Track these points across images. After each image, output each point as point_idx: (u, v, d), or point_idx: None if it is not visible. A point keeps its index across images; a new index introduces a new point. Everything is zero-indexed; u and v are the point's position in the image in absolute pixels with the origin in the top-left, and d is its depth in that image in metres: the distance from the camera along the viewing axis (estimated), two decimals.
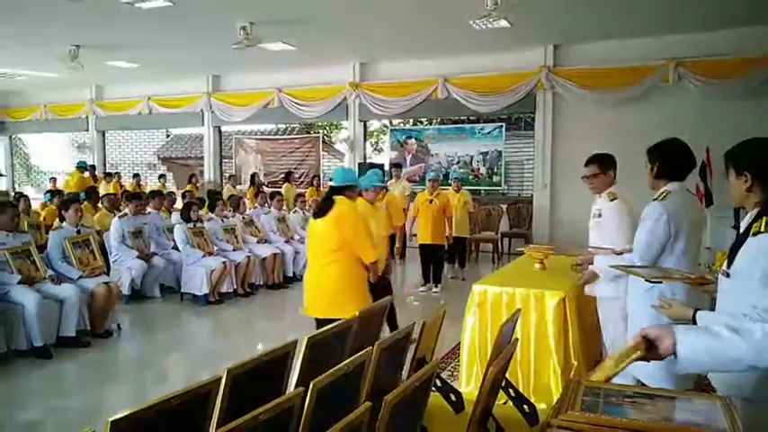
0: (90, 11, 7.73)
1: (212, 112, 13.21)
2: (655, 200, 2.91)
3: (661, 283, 2.74)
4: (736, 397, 1.69)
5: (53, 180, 14.22)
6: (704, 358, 1.60)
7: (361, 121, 11.92)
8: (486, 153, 10.93)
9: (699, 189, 7.68)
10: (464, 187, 8.72)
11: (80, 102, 14.66)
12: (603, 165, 3.71)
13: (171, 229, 7.56)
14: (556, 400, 1.68)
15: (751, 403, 1.76)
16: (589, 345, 3.98)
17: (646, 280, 2.75)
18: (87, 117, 14.82)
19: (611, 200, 3.62)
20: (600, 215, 3.70)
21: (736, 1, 7.37)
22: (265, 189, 11.26)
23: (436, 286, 7.66)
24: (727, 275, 1.95)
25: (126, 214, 7.22)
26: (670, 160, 2.95)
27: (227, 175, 13.11)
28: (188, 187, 11.92)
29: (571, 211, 9.59)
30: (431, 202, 7.57)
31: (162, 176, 13.44)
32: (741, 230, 2.00)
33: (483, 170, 10.96)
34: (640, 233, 2.92)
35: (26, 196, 9.05)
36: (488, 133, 11.00)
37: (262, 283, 7.84)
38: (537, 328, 3.68)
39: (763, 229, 1.82)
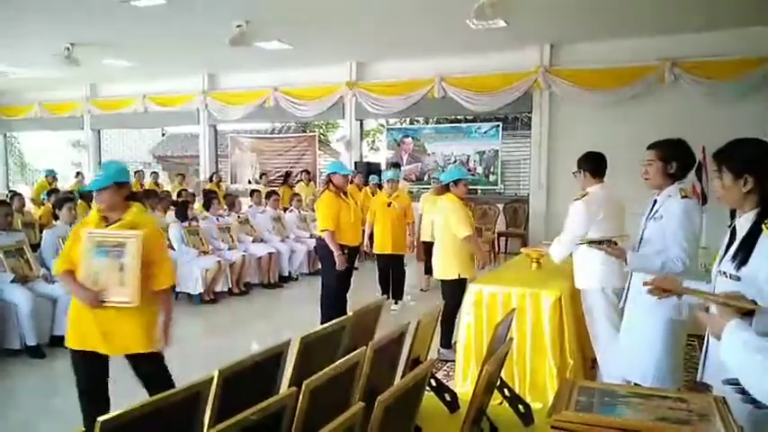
0: (85, 9, 7.69)
1: (208, 110, 13.16)
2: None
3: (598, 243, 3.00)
4: (731, 396, 1.68)
5: (79, 175, 13.57)
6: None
7: (357, 120, 11.90)
8: (483, 152, 10.93)
9: (695, 188, 7.69)
10: None
11: (75, 100, 14.57)
12: (579, 164, 3.92)
13: (166, 228, 7.51)
14: (551, 400, 1.67)
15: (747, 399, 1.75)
16: (585, 344, 3.98)
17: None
18: (82, 115, 14.74)
19: (575, 199, 3.84)
20: None
21: (732, 2, 7.39)
22: (283, 188, 11.09)
23: (396, 303, 6.62)
24: (738, 279, 1.89)
25: None
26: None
27: (259, 173, 12.91)
28: (210, 186, 11.84)
29: (567, 211, 9.58)
30: (389, 205, 6.59)
31: (179, 175, 13.11)
32: (742, 232, 1.94)
33: (479, 170, 10.96)
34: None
35: (20, 195, 9.00)
36: (485, 133, 10.99)
37: (257, 282, 7.82)
38: (533, 327, 3.68)
39: None
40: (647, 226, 2.94)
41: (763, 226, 1.84)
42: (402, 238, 6.67)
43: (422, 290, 7.48)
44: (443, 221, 4.88)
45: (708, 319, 1.70)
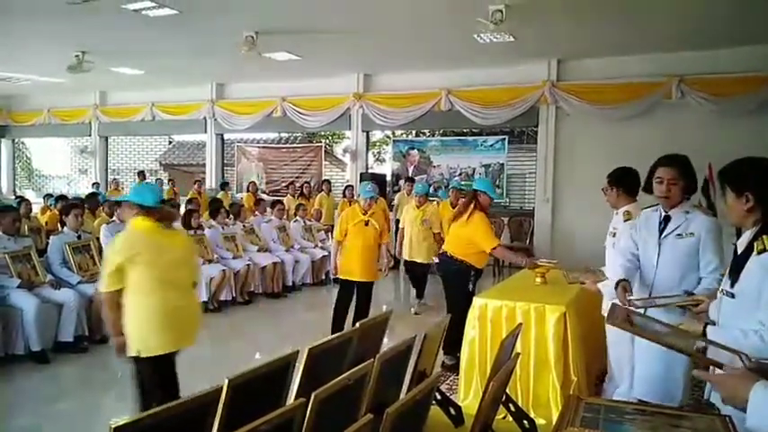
0: (97, 17, 7.76)
1: (215, 119, 13.25)
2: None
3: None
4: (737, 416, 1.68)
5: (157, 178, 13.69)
6: None
7: (363, 131, 11.94)
8: (489, 166, 10.95)
9: (701, 205, 7.69)
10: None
11: (84, 107, 14.70)
12: (614, 180, 3.69)
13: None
14: (557, 417, 1.67)
15: None
16: (590, 360, 3.96)
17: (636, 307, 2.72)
18: (90, 122, 14.86)
19: (625, 220, 3.49)
20: (614, 234, 3.64)
21: (739, 20, 7.42)
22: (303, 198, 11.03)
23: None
24: (732, 296, 1.93)
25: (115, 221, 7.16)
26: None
27: (300, 183, 12.51)
28: (246, 196, 11.81)
29: (573, 225, 9.60)
30: (366, 224, 5.47)
31: (225, 184, 12.86)
32: (741, 249, 1.98)
33: None
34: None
35: (27, 200, 9.06)
36: (491, 146, 11.02)
37: (261, 291, 7.82)
38: (537, 342, 3.67)
39: (767, 248, 1.81)
40: None
41: (755, 244, 1.87)
42: (372, 261, 5.68)
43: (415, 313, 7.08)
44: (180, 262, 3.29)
45: (719, 384, 1.53)
